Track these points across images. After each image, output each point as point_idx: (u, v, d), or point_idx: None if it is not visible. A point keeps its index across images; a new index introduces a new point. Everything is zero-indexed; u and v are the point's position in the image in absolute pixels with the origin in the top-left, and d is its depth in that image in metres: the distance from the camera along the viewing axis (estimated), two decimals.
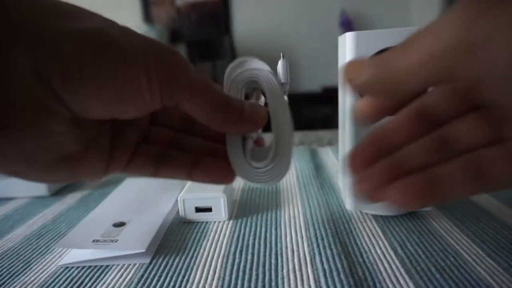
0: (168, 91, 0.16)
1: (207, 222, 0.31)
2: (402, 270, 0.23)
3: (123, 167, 0.19)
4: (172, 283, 0.23)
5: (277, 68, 0.22)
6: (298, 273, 0.23)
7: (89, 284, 0.24)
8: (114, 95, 0.15)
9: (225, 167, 0.21)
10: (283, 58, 0.22)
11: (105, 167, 0.19)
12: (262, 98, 0.22)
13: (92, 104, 0.15)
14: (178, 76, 0.16)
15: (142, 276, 0.24)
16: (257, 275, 0.24)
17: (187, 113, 0.18)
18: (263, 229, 0.30)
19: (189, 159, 0.21)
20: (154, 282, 0.23)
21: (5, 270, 0.26)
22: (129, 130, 0.20)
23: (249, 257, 0.26)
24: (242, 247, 0.27)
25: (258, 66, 0.21)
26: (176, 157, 0.21)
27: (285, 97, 0.21)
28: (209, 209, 0.31)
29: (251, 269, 0.24)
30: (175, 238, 0.29)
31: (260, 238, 0.28)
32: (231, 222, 0.31)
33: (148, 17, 2.89)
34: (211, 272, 0.24)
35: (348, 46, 0.27)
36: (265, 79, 0.21)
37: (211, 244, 0.28)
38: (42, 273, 0.25)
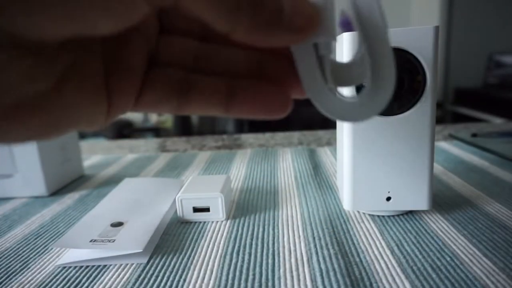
0: None
1: (204, 222, 0.32)
2: (398, 269, 0.23)
3: (133, 103, 0.15)
4: (169, 283, 0.23)
5: None
6: (295, 273, 0.24)
7: (86, 284, 0.24)
8: None
9: (276, 94, 0.15)
10: None
11: (105, 106, 0.14)
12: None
13: (40, 16, 0.09)
14: None
15: (139, 276, 0.24)
16: (254, 275, 0.24)
17: (194, 18, 0.12)
18: (261, 229, 0.30)
19: (224, 85, 0.15)
20: (151, 282, 0.24)
21: (2, 270, 0.26)
22: (130, 48, 0.14)
23: (246, 257, 0.26)
24: (239, 247, 0.27)
25: None
26: (204, 84, 0.15)
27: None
28: (207, 209, 0.32)
29: (248, 269, 0.24)
30: (172, 238, 0.29)
31: (257, 238, 0.28)
32: (228, 222, 0.31)
33: None
34: (208, 272, 0.24)
35: (345, 47, 0.27)
36: None
37: (209, 244, 0.28)
38: (39, 273, 0.25)
